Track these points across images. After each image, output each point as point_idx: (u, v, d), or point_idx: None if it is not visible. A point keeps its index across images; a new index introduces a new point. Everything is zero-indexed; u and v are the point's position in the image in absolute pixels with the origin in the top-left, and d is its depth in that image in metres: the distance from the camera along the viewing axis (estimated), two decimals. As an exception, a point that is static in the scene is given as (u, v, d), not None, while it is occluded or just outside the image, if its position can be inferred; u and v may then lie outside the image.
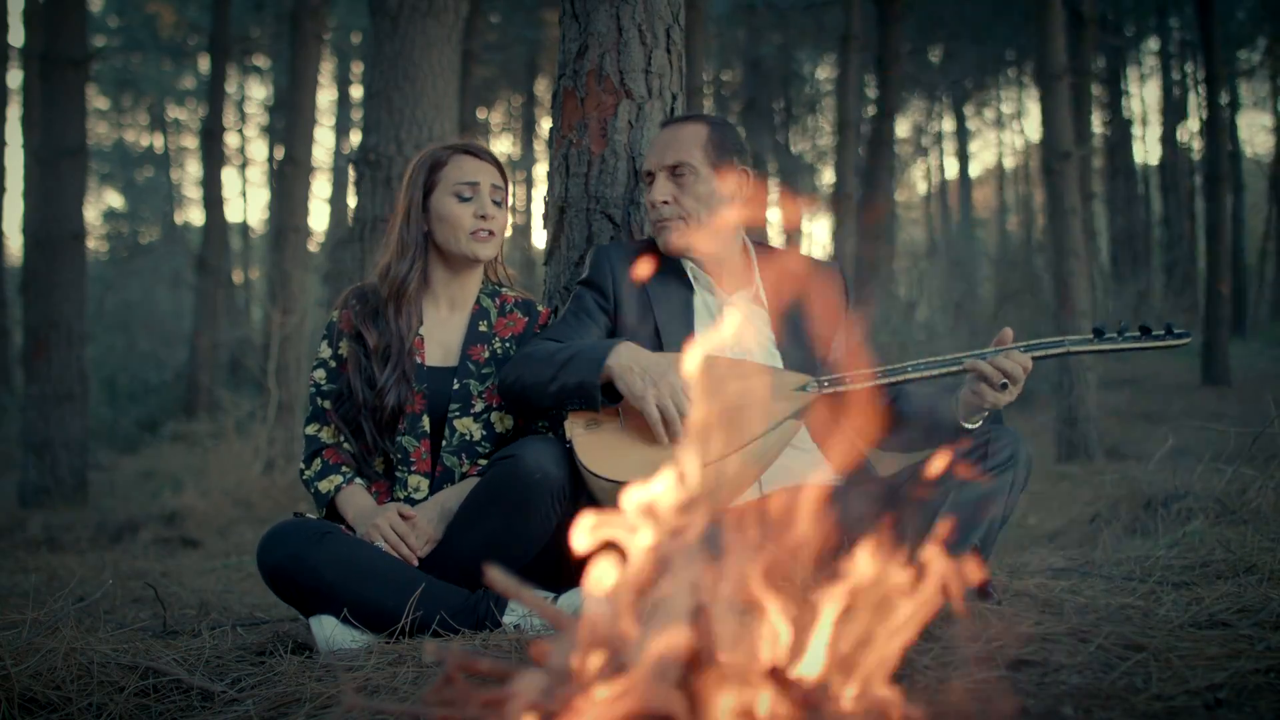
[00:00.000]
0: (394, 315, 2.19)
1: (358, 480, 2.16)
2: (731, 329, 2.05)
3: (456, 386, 2.20)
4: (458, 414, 2.18)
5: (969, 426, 1.98)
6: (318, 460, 2.20)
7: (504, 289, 2.35)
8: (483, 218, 2.20)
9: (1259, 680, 1.24)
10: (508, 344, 2.27)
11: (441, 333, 2.26)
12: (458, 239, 2.20)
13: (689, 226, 2.18)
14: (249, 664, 1.80)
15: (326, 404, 2.22)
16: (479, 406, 2.20)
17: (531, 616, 1.93)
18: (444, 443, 2.18)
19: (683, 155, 2.16)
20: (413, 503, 2.14)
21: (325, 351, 2.26)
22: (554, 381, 2.00)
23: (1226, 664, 1.30)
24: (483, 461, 2.19)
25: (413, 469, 2.16)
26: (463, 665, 0.91)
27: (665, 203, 2.17)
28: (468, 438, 2.18)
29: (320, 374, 2.25)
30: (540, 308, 2.34)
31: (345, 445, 2.21)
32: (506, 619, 1.94)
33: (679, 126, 2.21)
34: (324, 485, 2.15)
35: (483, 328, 2.27)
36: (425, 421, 2.18)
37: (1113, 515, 3.15)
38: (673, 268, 2.24)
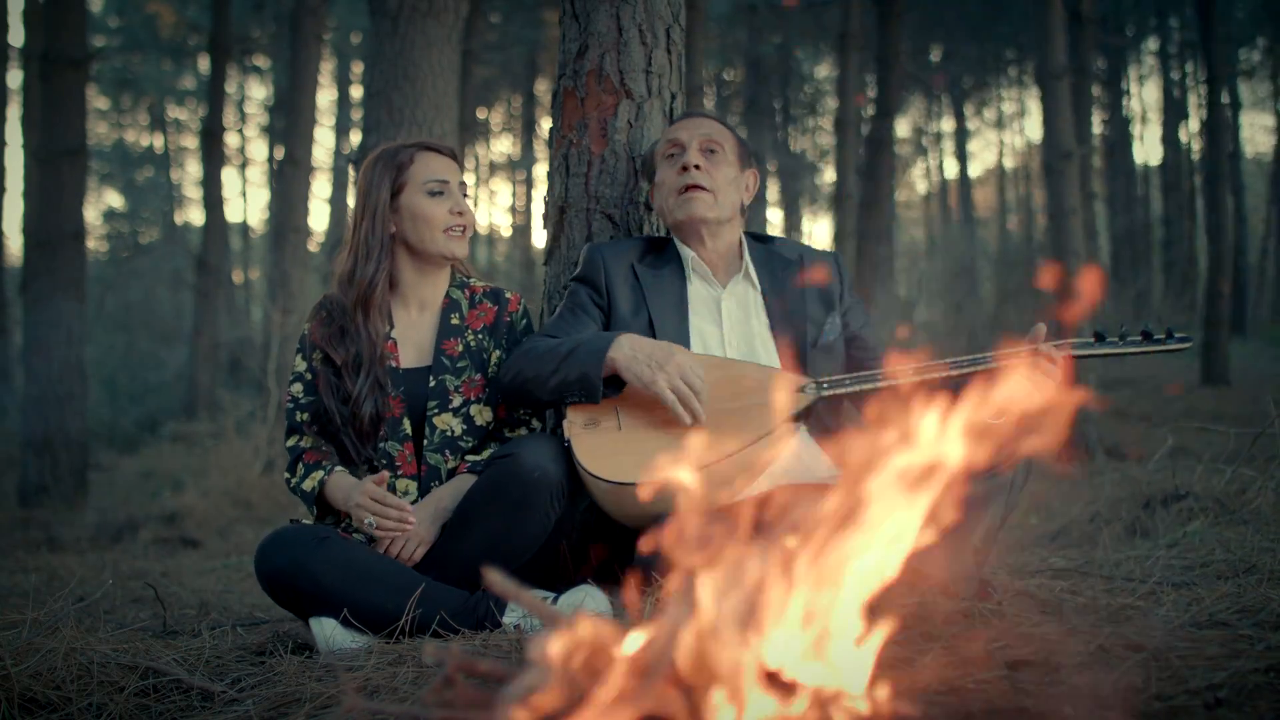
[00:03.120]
0: (363, 321, 2.15)
1: (339, 469, 2.14)
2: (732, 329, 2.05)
3: (433, 384, 2.18)
4: (436, 411, 2.17)
5: (994, 424, 1.98)
6: (300, 465, 2.18)
7: (471, 280, 2.32)
8: (459, 214, 2.18)
9: (1259, 680, 1.24)
10: (480, 335, 2.25)
11: (414, 333, 2.24)
12: (434, 238, 2.17)
13: (715, 201, 2.20)
14: (249, 664, 1.80)
15: (304, 416, 2.20)
16: (457, 401, 2.19)
17: (532, 616, 1.93)
18: (425, 441, 2.16)
19: (717, 136, 2.23)
20: None
21: (300, 365, 2.23)
22: (555, 375, 2.00)
23: (1226, 664, 1.29)
24: (470, 457, 2.18)
25: (399, 473, 2.15)
26: (463, 666, 0.91)
27: (698, 167, 2.18)
28: (449, 433, 2.17)
29: (297, 388, 2.22)
30: (508, 294, 2.31)
31: (324, 448, 2.19)
32: (506, 619, 1.94)
33: (709, 118, 2.29)
34: (308, 484, 2.14)
35: (454, 321, 2.25)
36: (406, 424, 2.16)
37: (1113, 515, 3.15)
38: (667, 259, 2.24)
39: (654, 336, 2.14)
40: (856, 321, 2.27)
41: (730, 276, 2.25)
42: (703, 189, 2.18)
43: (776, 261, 2.26)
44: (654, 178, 2.29)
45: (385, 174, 2.19)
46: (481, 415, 2.21)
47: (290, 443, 2.22)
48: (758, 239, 2.33)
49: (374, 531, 2.01)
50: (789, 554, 0.94)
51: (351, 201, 4.71)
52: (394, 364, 2.19)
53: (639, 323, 2.16)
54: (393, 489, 2.15)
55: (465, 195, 2.24)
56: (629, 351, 1.96)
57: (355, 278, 2.17)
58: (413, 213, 2.18)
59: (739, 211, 2.26)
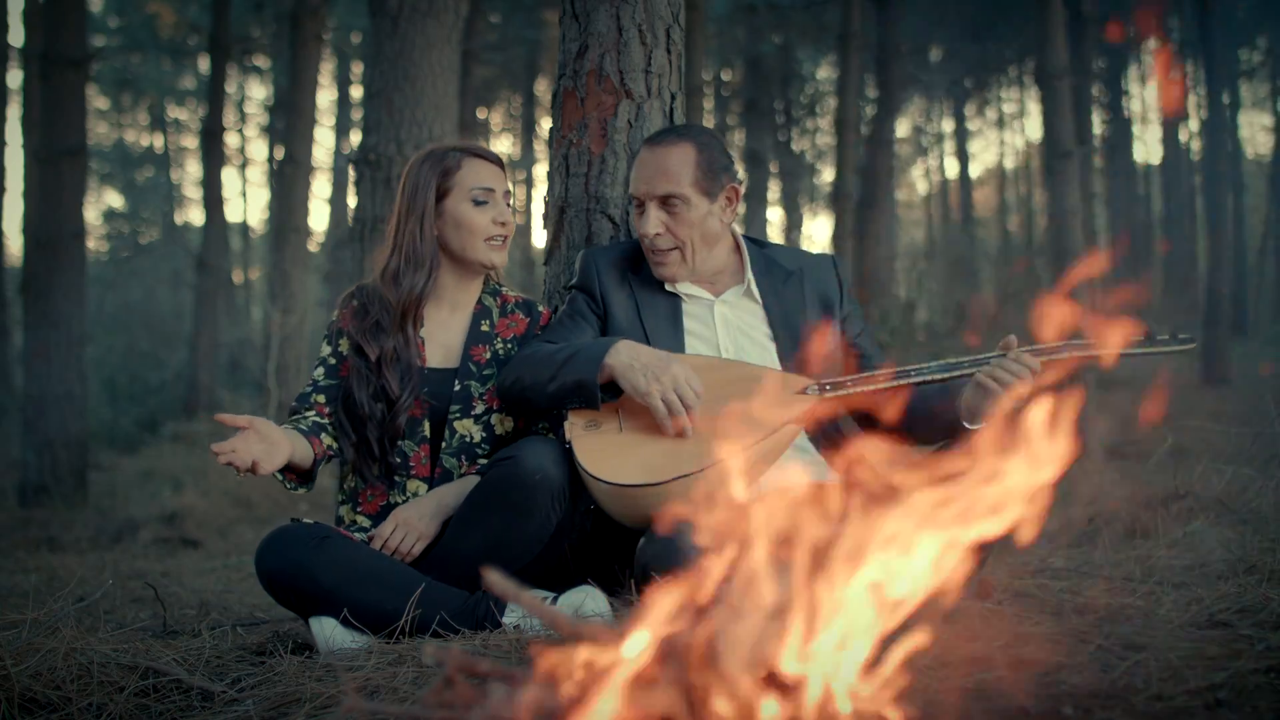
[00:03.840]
0: (402, 325, 2.14)
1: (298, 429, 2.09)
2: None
3: (457, 388, 2.18)
4: (458, 415, 2.17)
5: (972, 428, 1.98)
6: None
7: (504, 289, 2.33)
8: (502, 224, 2.18)
9: (1259, 680, 1.24)
10: (509, 344, 2.25)
11: (443, 334, 2.24)
12: (475, 246, 2.17)
13: (684, 257, 2.16)
14: (249, 664, 1.80)
15: (320, 398, 2.18)
16: (480, 408, 2.19)
17: (532, 617, 1.93)
18: (444, 444, 2.16)
19: (673, 186, 2.11)
20: None
21: (325, 350, 2.23)
22: (553, 381, 2.00)
23: (1226, 664, 1.29)
24: (482, 461, 2.18)
25: (412, 473, 2.15)
26: (463, 667, 0.91)
27: (659, 234, 2.13)
28: (468, 439, 2.17)
29: (320, 372, 2.21)
30: (541, 308, 2.33)
31: (325, 438, 2.14)
32: (507, 619, 1.93)
33: (666, 150, 2.14)
34: None
35: (484, 327, 2.25)
36: (425, 426, 2.16)
37: (1113, 515, 3.15)
38: None
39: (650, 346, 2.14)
40: (854, 329, 2.27)
41: (727, 286, 2.24)
42: (668, 251, 2.14)
43: (776, 270, 2.25)
44: None
45: (432, 176, 2.17)
46: (502, 425, 2.21)
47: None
48: (756, 244, 2.32)
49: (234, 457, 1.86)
50: (791, 555, 0.94)
51: (352, 202, 4.71)
52: (419, 362, 2.19)
53: (634, 334, 2.16)
54: (403, 489, 2.15)
55: (509, 204, 2.22)
56: (626, 359, 1.96)
57: (401, 282, 2.15)
58: (456, 219, 2.16)
59: (723, 229, 2.22)
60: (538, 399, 2.05)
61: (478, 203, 2.16)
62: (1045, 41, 6.84)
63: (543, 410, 2.17)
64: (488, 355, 2.23)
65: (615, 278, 2.22)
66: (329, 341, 2.24)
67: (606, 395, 1.99)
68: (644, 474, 1.88)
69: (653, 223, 2.13)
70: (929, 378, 1.98)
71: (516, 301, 2.31)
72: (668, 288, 2.22)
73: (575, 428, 2.00)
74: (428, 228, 2.16)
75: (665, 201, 2.12)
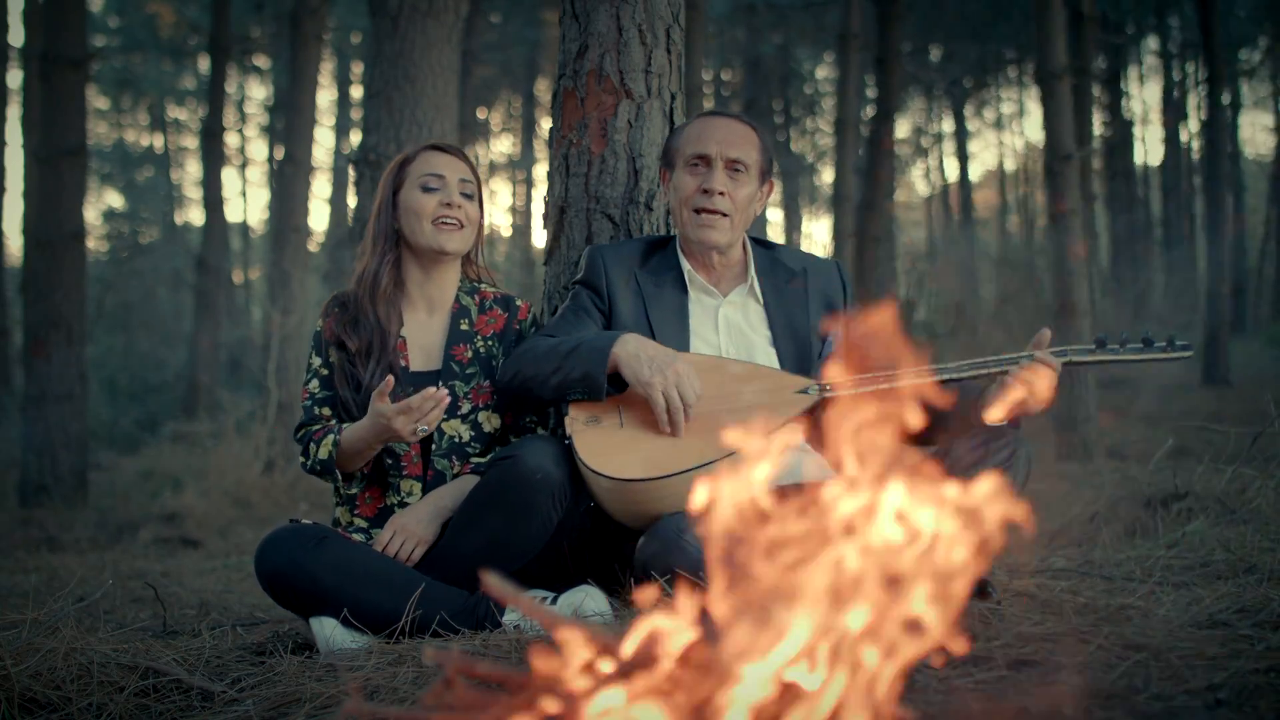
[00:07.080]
0: (371, 311, 2.18)
1: (345, 425, 2.12)
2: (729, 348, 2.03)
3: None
4: (445, 417, 2.16)
5: (995, 424, 1.98)
6: (310, 445, 2.15)
7: (483, 285, 2.33)
8: (447, 205, 2.18)
9: (1259, 680, 1.24)
10: (489, 341, 2.25)
11: (422, 336, 2.25)
12: (422, 229, 2.18)
13: (732, 226, 2.16)
14: (249, 664, 1.80)
15: (325, 410, 2.19)
16: (466, 408, 2.19)
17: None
18: (434, 446, 2.16)
19: (745, 154, 2.14)
20: (406, 506, 2.13)
21: (315, 361, 2.24)
22: (557, 373, 2.00)
23: (1226, 664, 1.29)
24: (475, 460, 2.18)
25: (404, 473, 2.15)
26: (462, 668, 0.91)
27: (722, 194, 2.12)
28: (457, 440, 2.17)
29: (314, 385, 2.23)
30: (519, 302, 2.32)
31: (330, 420, 2.18)
32: (507, 619, 1.94)
33: (737, 122, 2.19)
34: (323, 451, 2.10)
35: (464, 326, 2.25)
36: None
37: (1113, 515, 3.15)
38: (667, 268, 2.23)
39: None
40: (855, 333, 2.27)
41: (732, 287, 2.24)
42: (722, 214, 2.13)
43: (781, 272, 2.25)
44: (672, 171, 2.23)
45: (391, 173, 2.25)
46: (490, 422, 2.21)
47: (300, 434, 2.20)
48: (761, 244, 2.32)
49: (420, 431, 1.96)
50: (791, 557, 0.94)
51: (352, 202, 4.71)
52: (403, 364, 2.20)
53: (640, 331, 2.16)
54: (396, 489, 2.15)
55: (469, 195, 2.23)
56: (633, 349, 1.97)
57: (364, 272, 2.23)
58: (406, 207, 2.21)
59: (751, 221, 2.24)
60: (540, 391, 2.04)
61: (426, 189, 2.20)
62: (1045, 41, 6.83)
63: (544, 403, 2.16)
64: (469, 354, 2.23)
65: (622, 274, 2.22)
66: (317, 352, 2.24)
67: (611, 388, 1.99)
68: (645, 468, 1.89)
69: (720, 179, 2.12)
70: (929, 380, 1.98)
71: (495, 297, 2.31)
72: (683, 266, 2.20)
73: (576, 423, 2.00)
74: (383, 222, 2.23)
75: (732, 165, 2.13)
